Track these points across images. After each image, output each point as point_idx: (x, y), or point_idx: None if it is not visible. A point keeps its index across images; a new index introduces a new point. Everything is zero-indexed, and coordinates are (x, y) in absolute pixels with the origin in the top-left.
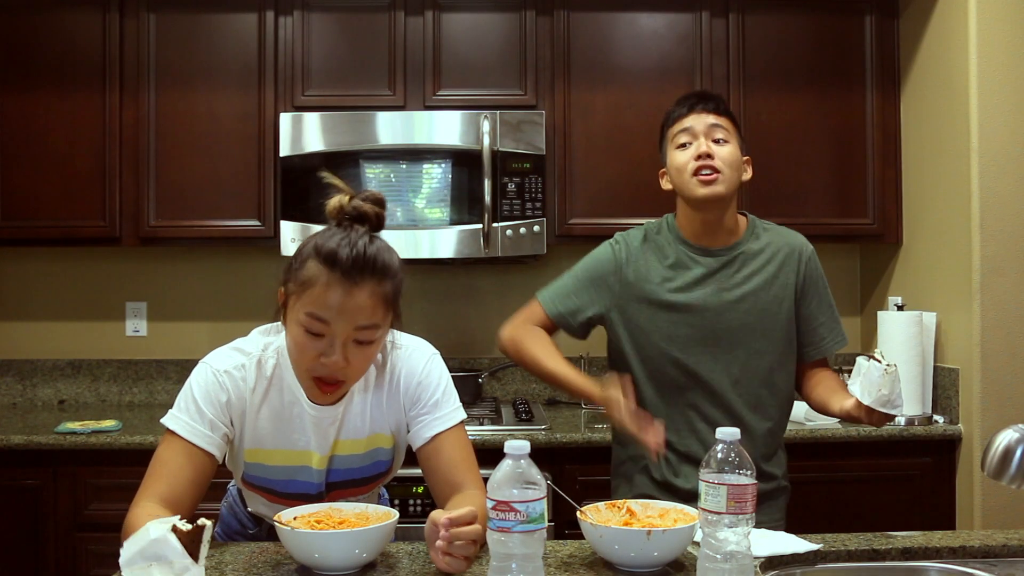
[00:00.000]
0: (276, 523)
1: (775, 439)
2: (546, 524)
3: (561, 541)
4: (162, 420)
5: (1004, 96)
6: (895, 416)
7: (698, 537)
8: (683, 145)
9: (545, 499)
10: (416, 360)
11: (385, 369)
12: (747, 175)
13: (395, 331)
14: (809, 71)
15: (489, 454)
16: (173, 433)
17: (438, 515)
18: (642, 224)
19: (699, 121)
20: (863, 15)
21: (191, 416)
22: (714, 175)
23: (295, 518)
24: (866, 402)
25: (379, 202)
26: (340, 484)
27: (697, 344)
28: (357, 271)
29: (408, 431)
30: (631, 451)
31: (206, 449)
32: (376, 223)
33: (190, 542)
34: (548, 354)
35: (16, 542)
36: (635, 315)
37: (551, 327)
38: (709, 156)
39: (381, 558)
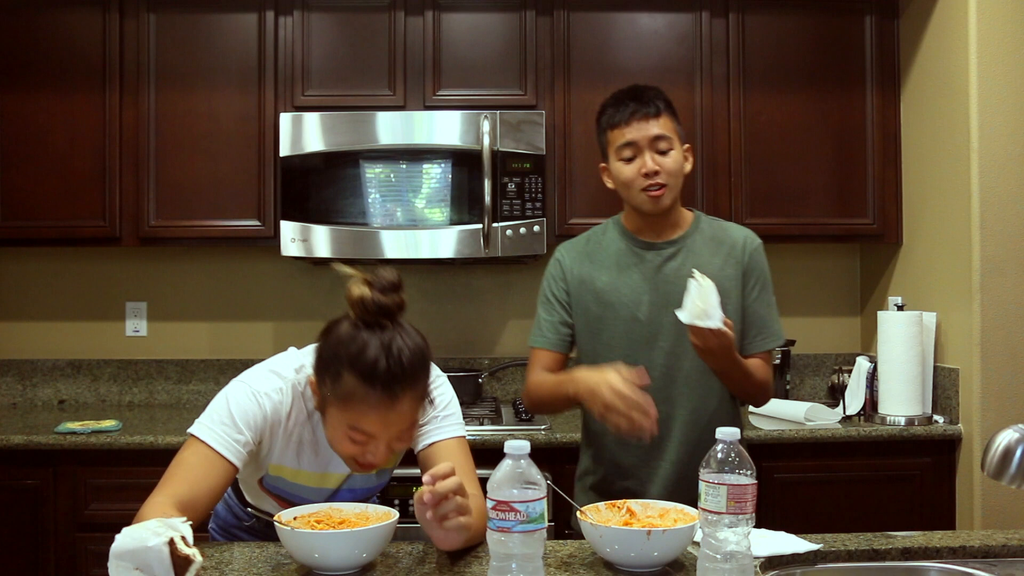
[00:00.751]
0: (276, 523)
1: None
2: (546, 524)
3: (561, 541)
4: (189, 430)
5: (1004, 96)
6: (714, 329)
7: (698, 537)
8: (627, 159)
9: (545, 499)
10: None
11: None
12: (688, 166)
13: None
14: (809, 71)
15: (489, 454)
16: (200, 440)
17: (422, 490)
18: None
19: (640, 133)
20: (863, 15)
21: (224, 428)
22: (661, 190)
23: (295, 518)
24: (685, 320)
25: (397, 288)
26: (353, 493)
27: (643, 340)
28: (398, 386)
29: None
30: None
31: (231, 460)
32: (399, 311)
33: (179, 566)
34: (547, 381)
35: (16, 542)
36: (585, 316)
37: (556, 359)
38: (656, 172)
39: (381, 558)
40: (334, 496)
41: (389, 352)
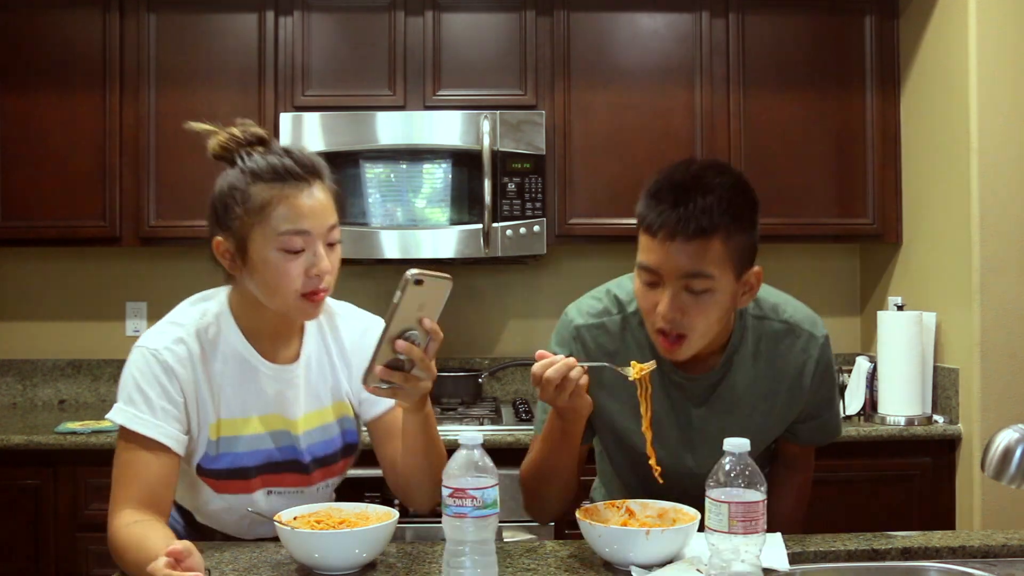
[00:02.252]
0: (276, 523)
1: None
2: (498, 510)
3: (561, 541)
4: (108, 416)
5: (1004, 96)
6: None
7: (698, 549)
8: (645, 282)
9: (497, 487)
10: (354, 320)
11: (327, 331)
12: (746, 299)
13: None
14: (809, 71)
15: (491, 453)
16: (129, 431)
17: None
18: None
19: (669, 261)
20: (863, 15)
21: (139, 408)
22: (678, 343)
23: (295, 518)
24: None
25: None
26: (321, 460)
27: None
28: (307, 172)
29: (360, 403)
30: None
31: (162, 442)
32: (271, 139)
33: None
34: (534, 456)
35: (16, 542)
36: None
37: None
38: (676, 317)
39: (381, 558)
40: (296, 454)
41: (286, 152)
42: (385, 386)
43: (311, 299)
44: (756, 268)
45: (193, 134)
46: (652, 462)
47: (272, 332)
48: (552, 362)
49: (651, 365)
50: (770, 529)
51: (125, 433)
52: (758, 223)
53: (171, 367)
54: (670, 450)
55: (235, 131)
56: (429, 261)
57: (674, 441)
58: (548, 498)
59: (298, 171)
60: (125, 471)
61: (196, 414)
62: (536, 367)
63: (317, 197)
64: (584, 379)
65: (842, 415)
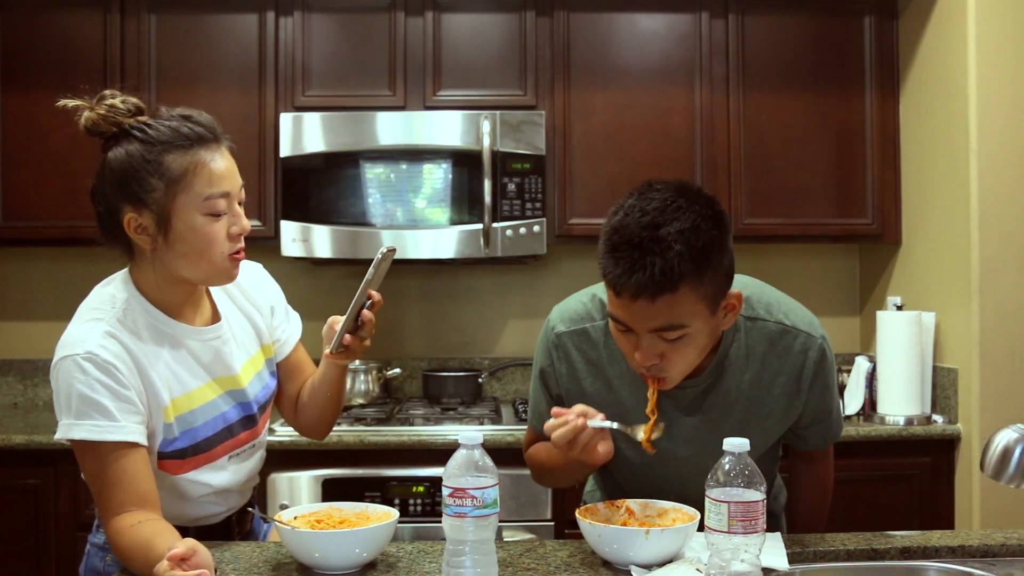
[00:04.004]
0: (276, 523)
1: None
2: (498, 510)
3: (561, 541)
4: (59, 436)
5: (1004, 96)
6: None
7: (698, 548)
8: (621, 331)
9: (497, 487)
10: (243, 266)
11: (229, 285)
12: (728, 321)
13: None
14: (809, 71)
15: (491, 454)
16: (88, 443)
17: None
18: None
19: (637, 319)
20: (862, 16)
21: (95, 419)
22: (661, 381)
23: (296, 517)
24: None
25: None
26: (263, 405)
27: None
28: (213, 135)
29: (274, 342)
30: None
31: (131, 441)
32: (146, 109)
33: None
34: (542, 458)
35: (17, 542)
36: None
37: None
38: (655, 363)
39: (381, 558)
40: (247, 408)
41: (185, 118)
42: (341, 349)
43: (234, 259)
44: (735, 291)
45: None
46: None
47: (186, 301)
48: (561, 423)
49: (660, 429)
50: (794, 524)
51: (88, 445)
52: (730, 245)
53: (111, 364)
54: (664, 458)
55: (116, 103)
56: (429, 261)
57: (665, 450)
58: (555, 483)
59: (207, 135)
60: (105, 481)
61: (147, 403)
62: (547, 426)
63: (228, 158)
64: (596, 439)
65: (842, 415)
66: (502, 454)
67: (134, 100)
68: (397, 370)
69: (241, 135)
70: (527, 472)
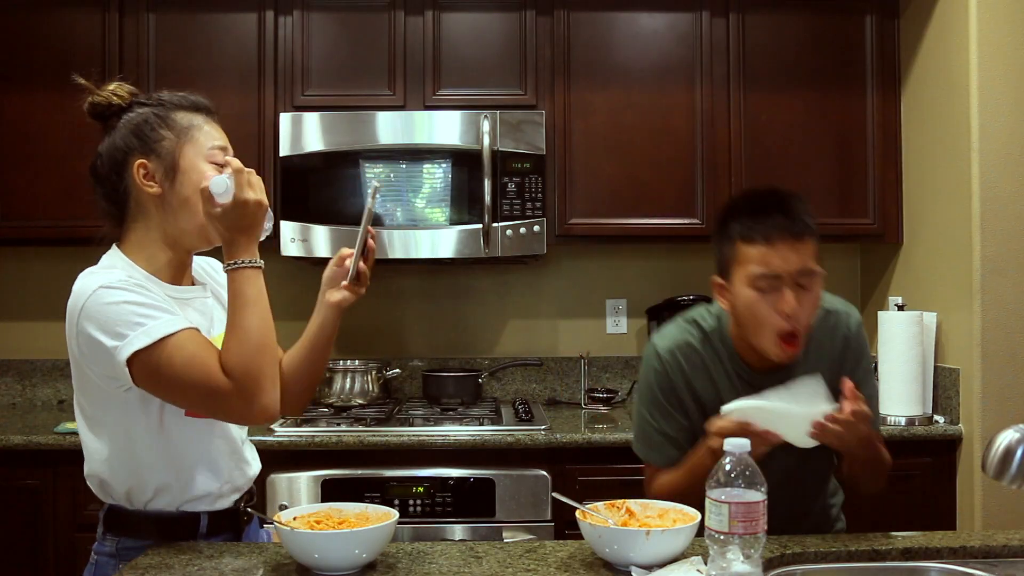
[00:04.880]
0: (276, 523)
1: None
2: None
3: (561, 541)
4: (121, 357)
5: (1004, 96)
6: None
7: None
8: (761, 289)
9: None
10: (207, 259)
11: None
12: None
13: None
14: (809, 71)
15: (491, 454)
16: (150, 348)
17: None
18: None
19: (786, 263)
20: (863, 15)
21: (151, 319)
22: (795, 341)
23: (295, 518)
24: (805, 444)
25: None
26: None
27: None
28: (210, 109)
29: None
30: None
31: (194, 327)
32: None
33: None
34: (675, 475)
35: (15, 542)
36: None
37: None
38: (798, 311)
39: (381, 558)
40: None
41: (181, 91)
42: (355, 281)
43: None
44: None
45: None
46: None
47: (175, 269)
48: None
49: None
50: (855, 491)
51: (154, 350)
52: None
53: (143, 284)
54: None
55: (115, 88)
56: (429, 261)
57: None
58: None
59: (206, 106)
60: (194, 362)
61: None
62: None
63: (218, 123)
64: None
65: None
66: (502, 454)
67: (130, 87)
68: (397, 370)
69: (240, 134)
70: (527, 472)
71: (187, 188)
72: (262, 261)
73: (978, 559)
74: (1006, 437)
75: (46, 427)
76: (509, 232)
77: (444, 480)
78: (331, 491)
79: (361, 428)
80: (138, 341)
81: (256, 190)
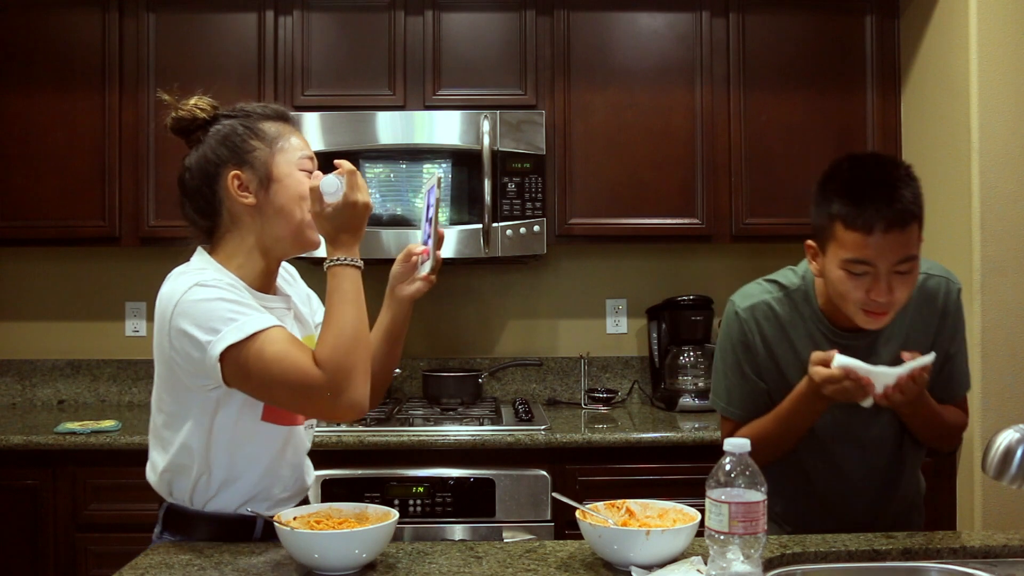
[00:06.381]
0: (276, 523)
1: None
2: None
3: (561, 541)
4: (214, 351)
5: (1004, 96)
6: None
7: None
8: (855, 274)
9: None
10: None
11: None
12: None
13: None
14: (809, 71)
15: (491, 454)
16: (242, 344)
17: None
18: (763, 280)
19: (885, 254)
20: (863, 15)
21: (246, 315)
22: (884, 315)
23: (295, 518)
24: (869, 404)
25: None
26: None
27: (830, 431)
28: (288, 116)
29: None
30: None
31: (282, 325)
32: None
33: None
34: (763, 422)
35: (15, 542)
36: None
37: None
38: (889, 302)
39: (381, 558)
40: None
41: (270, 103)
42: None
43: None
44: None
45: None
46: None
47: (263, 278)
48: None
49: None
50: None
51: (246, 345)
52: None
53: (234, 285)
54: (844, 409)
55: (196, 102)
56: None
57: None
58: (776, 453)
59: (287, 114)
60: (286, 357)
61: None
62: (823, 373)
63: (300, 133)
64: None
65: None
66: (502, 454)
67: (211, 100)
68: (397, 370)
69: None
70: (527, 472)
71: (281, 197)
72: (361, 261)
73: (978, 559)
74: (1006, 437)
75: (46, 427)
76: (509, 232)
77: (444, 480)
78: (331, 491)
79: (361, 428)
80: (231, 336)
81: (364, 192)
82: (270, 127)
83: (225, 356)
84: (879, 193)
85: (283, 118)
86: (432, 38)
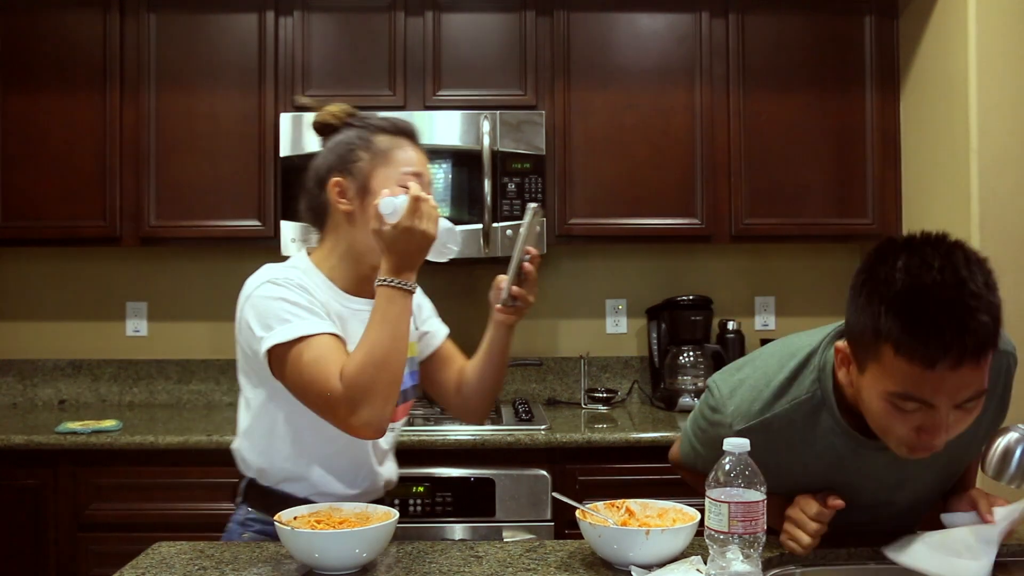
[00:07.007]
0: (276, 523)
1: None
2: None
3: (561, 541)
4: (266, 346)
5: (1004, 96)
6: None
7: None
8: (903, 410)
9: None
10: None
11: None
12: None
13: None
14: (809, 71)
15: (491, 454)
16: (290, 343)
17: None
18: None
19: (950, 391)
20: (863, 15)
21: (299, 317)
22: (929, 451)
23: (295, 518)
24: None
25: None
26: (404, 393)
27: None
28: (415, 136)
29: (419, 339)
30: None
31: (331, 332)
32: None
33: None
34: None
35: (17, 542)
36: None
37: None
38: (943, 443)
39: (381, 558)
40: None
41: (391, 119)
42: (511, 304)
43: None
44: None
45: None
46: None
47: (357, 278)
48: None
49: None
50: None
51: (291, 346)
52: None
53: (303, 284)
54: (871, 497)
55: (334, 108)
56: (428, 261)
57: (873, 491)
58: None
59: (410, 129)
60: (317, 364)
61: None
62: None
63: (423, 156)
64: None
65: None
66: (502, 454)
67: (348, 107)
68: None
69: (241, 135)
70: (527, 472)
71: (373, 208)
72: (416, 286)
73: None
74: (1006, 437)
75: (47, 427)
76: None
77: (444, 480)
78: None
79: None
80: (280, 335)
81: (425, 220)
82: (383, 140)
83: (272, 353)
84: (949, 320)
85: (401, 132)
86: (432, 39)
